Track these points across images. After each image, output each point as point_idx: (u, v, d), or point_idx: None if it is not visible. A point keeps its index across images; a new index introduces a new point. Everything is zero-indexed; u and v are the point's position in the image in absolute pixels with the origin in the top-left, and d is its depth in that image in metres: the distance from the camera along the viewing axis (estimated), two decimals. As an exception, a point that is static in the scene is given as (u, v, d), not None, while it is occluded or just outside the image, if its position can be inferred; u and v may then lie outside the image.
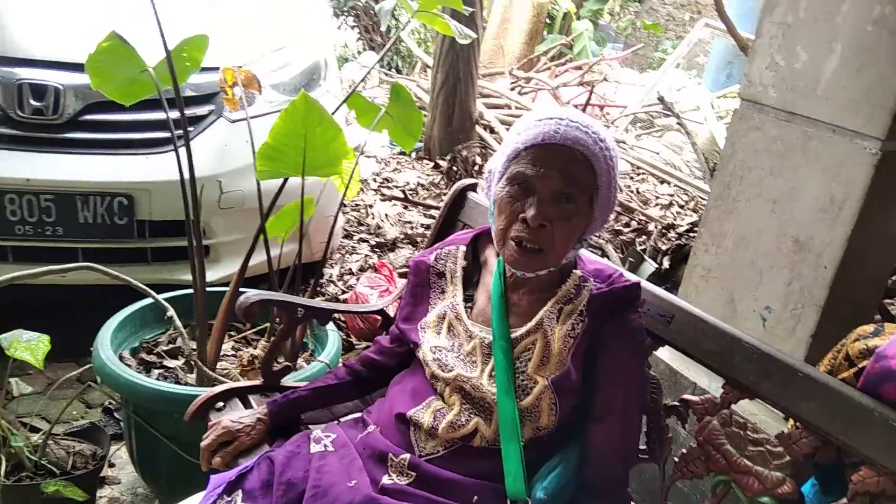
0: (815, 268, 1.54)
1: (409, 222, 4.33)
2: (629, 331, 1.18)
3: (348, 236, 3.93)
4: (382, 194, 4.66)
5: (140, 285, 1.77)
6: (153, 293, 1.80)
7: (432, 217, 4.45)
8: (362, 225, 4.18)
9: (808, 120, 1.56)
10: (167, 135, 2.44)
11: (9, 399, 2.19)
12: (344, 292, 3.29)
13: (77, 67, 2.28)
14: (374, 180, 4.84)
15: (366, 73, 2.20)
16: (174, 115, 1.86)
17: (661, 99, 4.35)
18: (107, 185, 2.32)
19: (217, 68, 2.09)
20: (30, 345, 1.74)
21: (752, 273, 1.66)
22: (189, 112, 1.86)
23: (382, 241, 3.97)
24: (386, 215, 4.36)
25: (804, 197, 1.57)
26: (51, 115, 2.30)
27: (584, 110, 4.96)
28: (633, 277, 1.27)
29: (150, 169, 2.38)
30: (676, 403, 1.24)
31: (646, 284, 1.29)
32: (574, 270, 1.23)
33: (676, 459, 1.23)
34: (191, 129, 2.31)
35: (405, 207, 4.55)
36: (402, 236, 4.06)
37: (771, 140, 1.62)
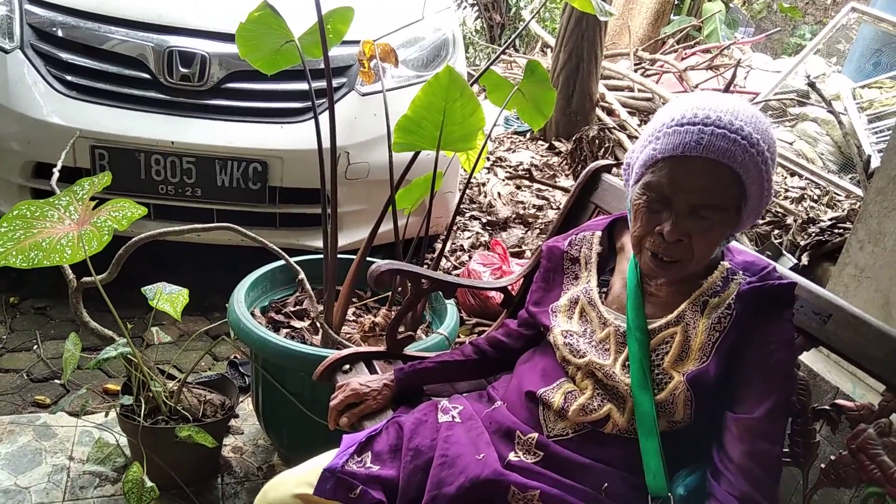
0: None
1: (522, 202, 4.30)
2: (783, 331, 1.10)
3: (460, 213, 3.95)
4: (496, 173, 4.65)
5: (276, 248, 1.84)
6: (287, 257, 1.87)
7: (545, 199, 4.39)
8: (474, 202, 4.19)
9: None
10: (300, 105, 2.54)
11: (146, 346, 2.36)
12: (456, 267, 3.32)
13: (223, 37, 2.41)
14: (488, 159, 4.83)
15: (499, 53, 2.17)
16: (316, 85, 1.90)
17: (811, 85, 4.06)
18: (244, 150, 2.43)
19: (352, 42, 2.13)
20: (171, 297, 1.86)
21: (912, 276, 1.52)
22: (325, 84, 1.90)
23: (494, 219, 3.97)
24: (499, 194, 4.35)
25: (984, 196, 1.42)
26: (196, 82, 2.42)
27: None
28: (788, 274, 1.19)
29: (284, 137, 2.46)
30: (827, 408, 1.16)
31: (800, 280, 1.21)
32: (721, 262, 1.16)
33: (822, 466, 1.15)
34: (324, 100, 2.37)
35: (518, 187, 4.52)
36: (513, 216, 4.04)
37: (949, 132, 1.47)
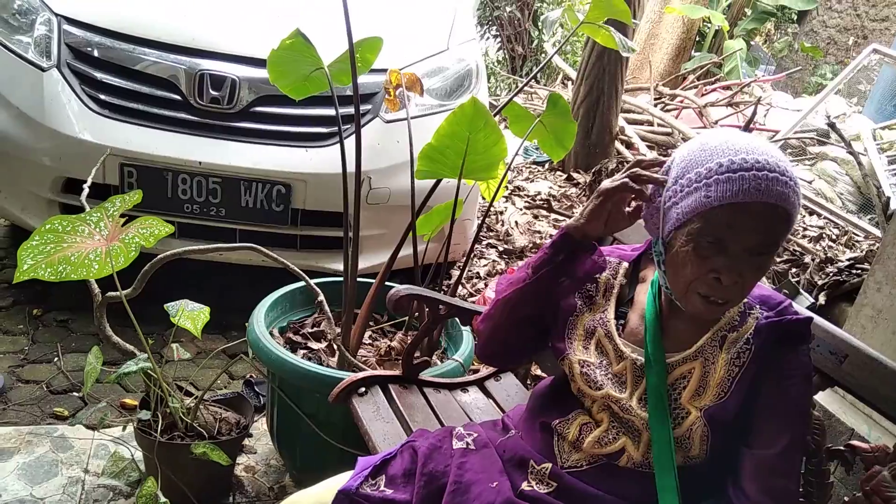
0: None
1: (539, 232, 4.32)
2: (800, 366, 1.11)
3: (477, 241, 3.97)
4: (514, 202, 4.68)
5: (297, 270, 1.87)
6: (307, 278, 1.90)
7: (562, 229, 4.41)
8: (491, 231, 4.22)
9: None
10: (325, 130, 2.59)
11: (164, 362, 2.39)
12: (472, 295, 3.33)
13: (253, 62, 2.48)
14: (506, 188, 4.86)
15: (523, 85, 2.21)
16: (343, 111, 1.95)
17: (831, 124, 4.08)
18: (269, 172, 2.47)
19: (378, 70, 2.17)
20: (192, 315, 1.88)
21: (930, 319, 1.52)
22: (350, 111, 1.95)
23: (511, 248, 3.99)
24: (516, 223, 4.37)
25: None
26: (225, 105, 2.48)
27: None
28: (803, 311, 1.20)
29: (308, 161, 2.51)
30: (842, 448, 1.16)
31: (817, 319, 1.22)
32: None
33: (837, 508, 1.15)
34: (349, 126, 2.41)
35: (535, 217, 4.54)
36: (530, 245, 4.06)
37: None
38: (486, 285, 3.37)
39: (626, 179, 1.13)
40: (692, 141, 1.13)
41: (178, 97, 2.49)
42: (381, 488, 1.19)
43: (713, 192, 1.03)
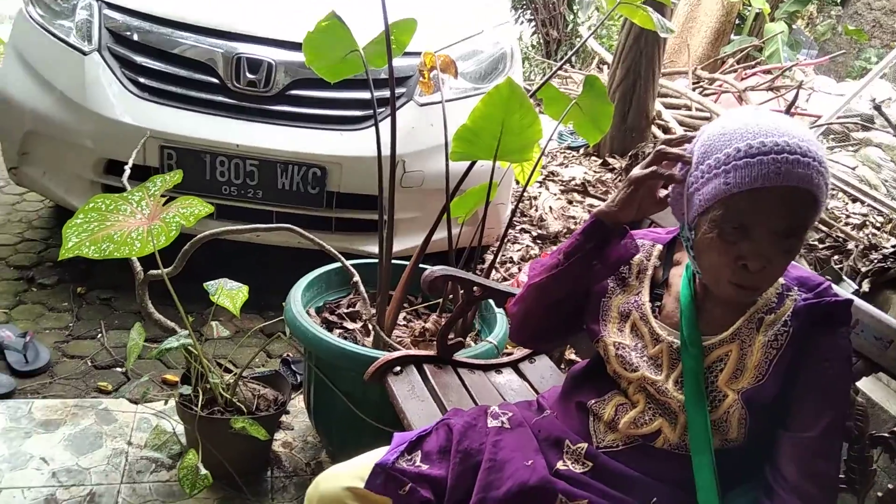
0: None
1: (573, 217, 4.29)
2: (839, 348, 1.09)
3: (511, 225, 3.96)
4: (548, 187, 4.65)
5: (333, 251, 1.89)
6: (343, 259, 1.91)
7: (597, 215, 4.37)
8: (525, 216, 4.20)
9: None
10: (360, 113, 2.60)
11: (204, 340, 2.44)
12: (505, 279, 3.33)
13: (289, 45, 2.49)
14: (540, 173, 4.83)
15: (559, 66, 2.19)
16: (377, 94, 1.95)
17: (877, 108, 3.96)
18: (305, 155, 2.49)
19: (412, 53, 2.17)
20: (231, 293, 1.92)
21: (979, 305, 1.48)
22: (385, 94, 1.95)
23: (545, 233, 3.97)
24: (550, 208, 4.35)
25: None
26: (262, 88, 2.50)
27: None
28: (843, 293, 1.18)
29: (344, 144, 2.53)
30: (886, 435, 1.14)
31: (860, 303, 1.20)
32: None
33: (879, 495, 1.13)
34: (384, 109, 2.42)
35: (570, 202, 4.51)
36: (564, 230, 4.03)
37: None
38: (519, 270, 3.36)
39: (655, 167, 1.12)
40: (714, 123, 1.11)
41: (215, 80, 2.52)
42: (417, 463, 1.20)
43: (732, 179, 1.01)
